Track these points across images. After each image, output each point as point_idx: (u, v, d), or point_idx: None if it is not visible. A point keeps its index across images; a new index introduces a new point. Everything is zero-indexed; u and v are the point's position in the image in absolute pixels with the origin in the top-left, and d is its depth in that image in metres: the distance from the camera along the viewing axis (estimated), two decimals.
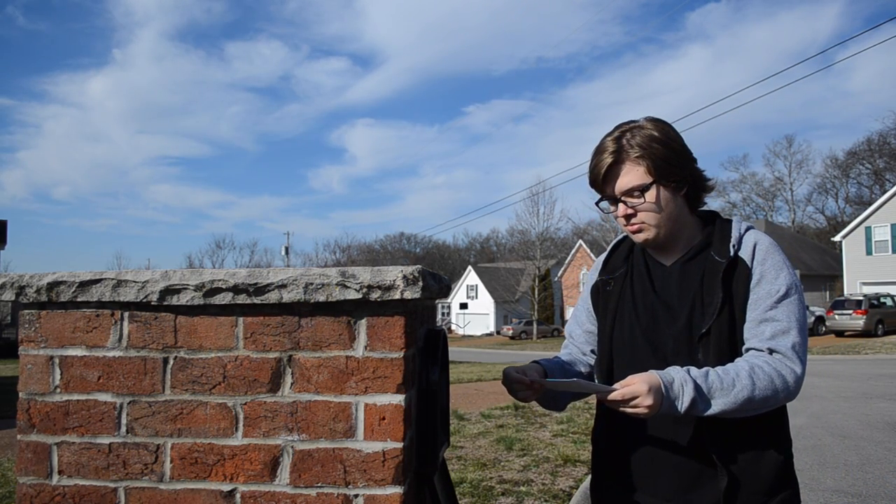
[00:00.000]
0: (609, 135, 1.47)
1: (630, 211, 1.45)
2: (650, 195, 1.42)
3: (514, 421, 7.70)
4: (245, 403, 1.25)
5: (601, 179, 1.45)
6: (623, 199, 1.44)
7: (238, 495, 1.24)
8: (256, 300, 1.23)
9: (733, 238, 1.44)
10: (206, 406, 1.25)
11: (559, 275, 52.75)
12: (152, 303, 1.26)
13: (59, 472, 1.27)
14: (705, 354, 1.39)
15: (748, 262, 1.41)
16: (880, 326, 25.81)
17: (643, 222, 1.45)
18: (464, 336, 56.48)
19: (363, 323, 1.23)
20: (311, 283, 1.22)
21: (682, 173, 1.44)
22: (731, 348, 1.39)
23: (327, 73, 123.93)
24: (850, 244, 33.53)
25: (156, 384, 1.27)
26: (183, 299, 1.25)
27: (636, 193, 1.43)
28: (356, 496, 1.21)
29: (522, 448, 6.09)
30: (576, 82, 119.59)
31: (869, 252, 32.76)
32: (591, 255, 48.19)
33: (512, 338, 46.61)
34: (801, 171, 61.00)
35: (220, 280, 1.24)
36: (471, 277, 61.65)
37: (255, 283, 1.23)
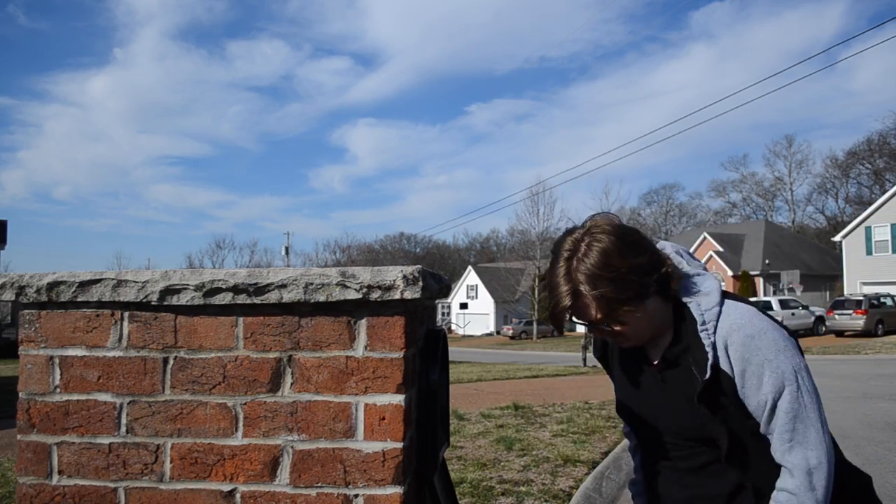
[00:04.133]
0: (556, 265, 1.39)
1: (605, 333, 1.42)
2: (614, 325, 1.38)
3: (514, 421, 7.70)
4: (245, 403, 1.25)
5: (567, 315, 1.40)
6: (593, 328, 1.42)
7: (238, 495, 1.24)
8: (256, 300, 1.23)
9: (706, 346, 1.34)
10: (206, 406, 1.25)
11: None
12: (152, 303, 1.26)
13: (59, 472, 1.27)
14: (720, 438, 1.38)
15: (729, 371, 1.33)
16: (880, 326, 25.81)
17: (622, 336, 1.41)
18: (464, 336, 56.49)
19: (363, 323, 1.23)
20: (311, 283, 1.22)
21: (641, 290, 1.35)
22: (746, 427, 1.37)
23: (329, 73, 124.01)
24: (850, 244, 33.53)
25: (156, 384, 1.27)
26: (183, 299, 1.25)
27: (602, 325, 1.39)
28: (356, 496, 1.21)
29: (522, 448, 6.08)
30: (578, 82, 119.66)
31: (869, 252, 32.76)
32: None
33: (512, 338, 46.63)
34: (801, 171, 61.06)
35: (220, 280, 1.24)
36: (471, 277, 61.66)
37: (255, 283, 1.23)
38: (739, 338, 1.32)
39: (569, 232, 1.42)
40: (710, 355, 1.33)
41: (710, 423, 1.36)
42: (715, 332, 1.35)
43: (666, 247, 1.50)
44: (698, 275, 1.45)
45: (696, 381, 1.35)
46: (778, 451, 1.31)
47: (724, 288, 1.44)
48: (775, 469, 1.34)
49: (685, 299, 1.40)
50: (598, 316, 1.36)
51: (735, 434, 1.36)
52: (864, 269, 32.78)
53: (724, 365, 1.33)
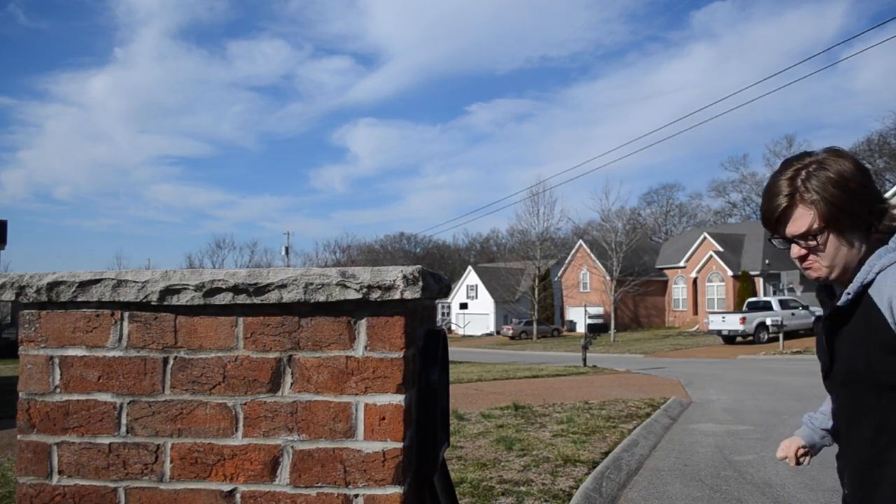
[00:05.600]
0: (783, 173, 1.42)
1: (802, 252, 1.42)
2: (822, 239, 1.39)
3: (514, 421, 7.70)
4: (245, 403, 1.25)
5: (773, 222, 1.43)
6: (795, 241, 1.42)
7: (238, 495, 1.24)
8: (256, 300, 1.23)
9: (862, 272, 1.36)
10: (206, 406, 1.25)
11: (559, 275, 52.75)
12: (152, 303, 1.26)
13: (59, 472, 1.27)
14: (871, 396, 1.37)
15: (885, 309, 1.32)
16: None
17: (816, 262, 1.42)
18: (464, 336, 56.50)
19: (363, 323, 1.23)
20: (311, 283, 1.22)
21: (857, 217, 1.38)
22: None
23: (330, 73, 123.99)
24: None
25: (156, 384, 1.27)
26: (183, 299, 1.25)
27: (808, 237, 1.40)
28: (356, 496, 1.21)
29: (522, 448, 6.08)
30: (579, 81, 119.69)
31: None
32: (591, 254, 48.18)
33: (512, 338, 46.62)
34: None
35: (220, 280, 1.24)
36: (471, 277, 61.67)
37: (255, 283, 1.23)
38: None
39: (801, 154, 1.45)
40: (856, 281, 1.36)
41: (870, 358, 1.33)
42: (886, 270, 1.34)
43: None
44: None
45: (870, 307, 1.34)
46: None
47: None
48: None
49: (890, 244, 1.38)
50: (814, 225, 1.37)
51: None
52: None
53: (880, 301, 1.32)
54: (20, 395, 1.29)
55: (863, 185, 1.39)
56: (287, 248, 56.60)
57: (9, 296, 1.29)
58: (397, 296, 1.20)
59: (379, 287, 1.20)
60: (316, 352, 1.24)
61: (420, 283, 1.20)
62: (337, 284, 1.21)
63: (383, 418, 1.21)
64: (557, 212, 58.01)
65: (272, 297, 1.23)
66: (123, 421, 1.27)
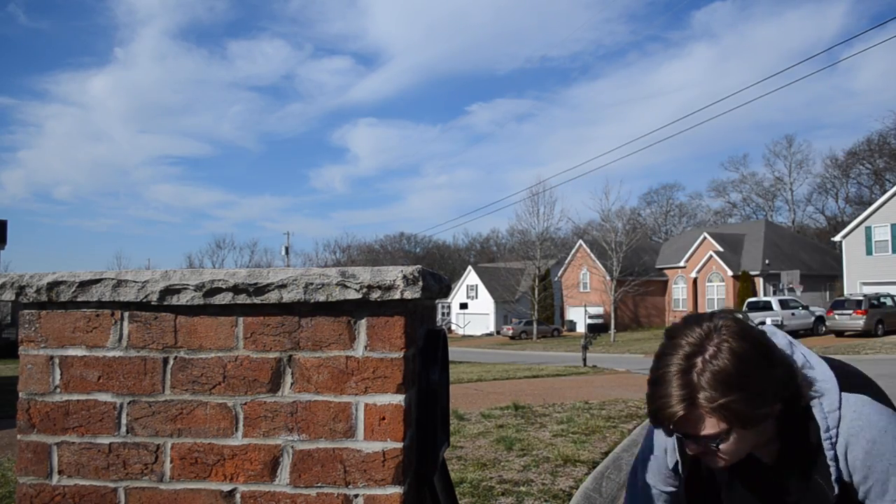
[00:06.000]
0: (675, 361, 1.20)
1: (701, 451, 1.24)
2: (731, 439, 1.20)
3: (514, 421, 7.70)
4: (245, 403, 1.25)
5: (671, 423, 1.21)
6: (696, 441, 1.23)
7: (238, 495, 1.24)
8: (256, 300, 1.23)
9: (829, 459, 1.22)
10: (206, 406, 1.25)
11: (559, 275, 52.75)
12: (152, 303, 1.26)
13: (59, 472, 1.27)
14: None
15: (848, 478, 1.22)
16: (880, 326, 25.81)
17: (716, 459, 1.24)
18: (464, 336, 56.49)
19: (363, 323, 1.23)
20: (311, 283, 1.22)
21: (766, 413, 1.19)
22: None
23: (330, 72, 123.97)
24: (850, 244, 33.53)
25: (156, 384, 1.27)
26: (183, 299, 1.25)
27: (713, 440, 1.21)
28: (356, 496, 1.21)
29: (522, 448, 6.08)
30: (580, 81, 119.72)
31: (869, 252, 32.76)
32: (591, 254, 48.17)
33: (512, 338, 46.62)
34: (801, 171, 61.06)
35: (220, 280, 1.24)
36: (471, 277, 61.66)
37: (255, 283, 1.23)
38: (861, 444, 1.20)
39: (692, 321, 1.25)
40: (833, 469, 1.22)
41: None
42: (836, 440, 1.22)
43: (777, 335, 1.32)
44: (810, 367, 1.29)
45: (826, 495, 1.23)
46: None
47: (827, 361, 1.31)
48: None
49: (812, 401, 1.24)
50: (712, 432, 1.18)
51: None
52: (864, 269, 32.77)
53: (843, 473, 1.22)
54: (20, 395, 1.29)
55: (767, 375, 1.18)
56: (287, 248, 56.60)
57: (9, 296, 1.29)
58: (397, 296, 1.19)
59: (379, 287, 1.20)
60: (316, 352, 1.24)
61: (420, 283, 1.20)
62: (337, 284, 1.21)
63: (383, 418, 1.21)
64: (557, 212, 58.13)
65: (272, 297, 1.23)
66: (123, 421, 1.27)
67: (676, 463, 1.41)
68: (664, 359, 1.23)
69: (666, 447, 1.43)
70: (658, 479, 1.46)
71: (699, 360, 1.17)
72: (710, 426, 1.18)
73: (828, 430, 1.21)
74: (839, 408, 1.22)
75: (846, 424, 1.21)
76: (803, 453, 1.26)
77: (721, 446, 1.21)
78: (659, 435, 1.43)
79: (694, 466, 1.40)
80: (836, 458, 1.21)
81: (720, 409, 1.15)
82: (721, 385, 1.15)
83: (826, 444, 1.21)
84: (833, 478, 1.21)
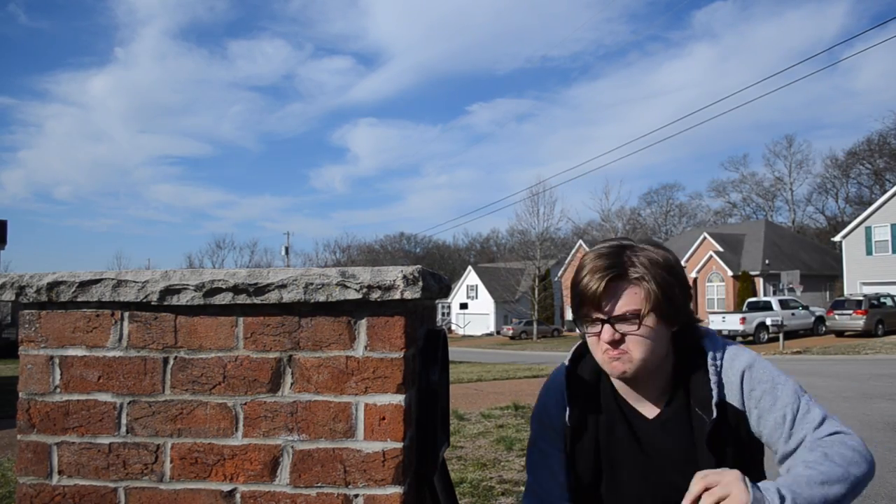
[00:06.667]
0: (605, 248, 1.32)
1: (616, 337, 1.27)
2: (645, 323, 1.26)
3: (514, 421, 7.70)
4: (245, 403, 1.25)
5: (589, 298, 1.27)
6: (613, 322, 1.27)
7: (238, 495, 1.24)
8: (256, 300, 1.23)
9: (713, 383, 1.29)
10: (206, 406, 1.25)
11: (559, 275, 52.76)
12: (152, 303, 1.26)
13: (59, 472, 1.27)
14: None
15: (738, 403, 1.28)
16: (880, 326, 25.82)
17: (628, 352, 1.27)
18: (464, 336, 56.50)
19: (363, 323, 1.23)
20: (311, 283, 1.22)
21: (677, 310, 1.30)
22: None
23: (330, 72, 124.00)
24: (850, 244, 33.54)
25: (156, 384, 1.27)
26: (183, 299, 1.25)
27: (630, 318, 1.26)
28: (356, 496, 1.21)
29: (522, 448, 6.08)
30: (580, 81, 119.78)
31: (869, 252, 32.77)
32: None
33: (512, 338, 46.62)
34: (801, 171, 61.09)
35: (220, 280, 1.24)
36: (471, 277, 61.68)
37: (255, 283, 1.23)
38: (742, 363, 1.30)
39: (619, 238, 1.37)
40: (714, 393, 1.28)
41: None
42: (721, 370, 1.31)
43: None
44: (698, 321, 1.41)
45: (701, 426, 1.28)
46: (808, 437, 1.23)
47: None
48: None
49: (701, 340, 1.35)
50: (632, 307, 1.25)
51: None
52: (864, 269, 32.78)
53: (732, 399, 1.29)
54: (20, 395, 1.29)
55: (684, 277, 1.32)
56: (287, 248, 56.62)
57: (9, 296, 1.29)
58: (397, 296, 1.19)
59: (379, 287, 1.20)
60: (316, 352, 1.24)
61: (420, 283, 1.20)
62: (337, 284, 1.21)
63: (383, 418, 1.21)
64: (557, 212, 58.11)
65: (272, 297, 1.23)
66: (123, 421, 1.27)
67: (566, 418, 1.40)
68: (588, 254, 1.34)
69: (557, 404, 1.44)
70: (557, 468, 1.42)
71: (628, 250, 1.31)
72: (632, 299, 1.26)
73: (714, 358, 1.32)
74: (723, 346, 1.35)
75: (729, 353, 1.33)
76: (688, 385, 1.33)
77: (632, 336, 1.26)
78: (545, 409, 1.47)
79: (579, 424, 1.40)
80: (719, 383, 1.30)
81: (645, 281, 1.26)
82: (650, 264, 1.28)
83: (711, 370, 1.30)
84: (714, 401, 1.28)
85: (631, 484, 1.35)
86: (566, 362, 1.46)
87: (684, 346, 1.35)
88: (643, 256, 1.29)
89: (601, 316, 1.28)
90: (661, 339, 1.30)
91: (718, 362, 1.32)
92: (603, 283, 1.26)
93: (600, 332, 1.29)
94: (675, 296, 1.29)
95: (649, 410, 1.37)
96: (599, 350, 1.31)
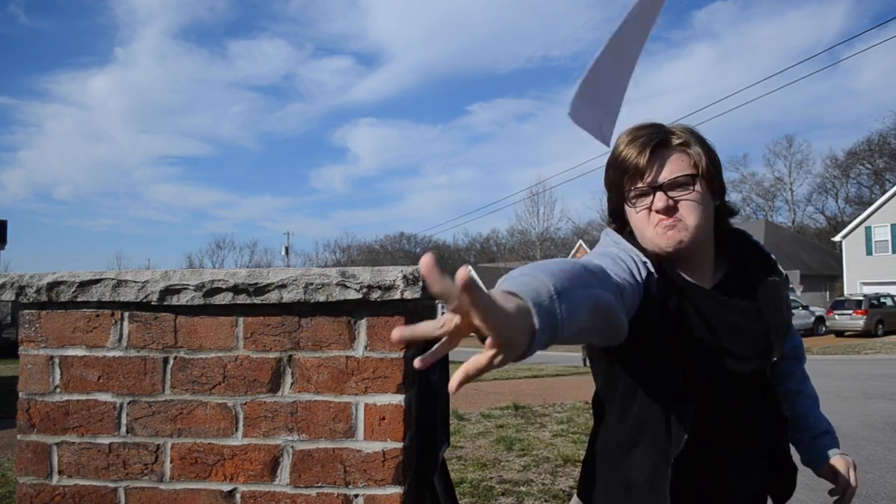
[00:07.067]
0: (641, 123, 1.28)
1: (670, 204, 1.22)
2: (697, 188, 1.23)
3: (514, 421, 7.71)
4: (245, 403, 1.25)
5: (636, 168, 1.22)
6: (661, 189, 1.22)
7: (238, 495, 1.24)
8: (256, 300, 1.23)
9: (766, 252, 1.38)
10: (206, 406, 1.25)
11: None
12: (152, 303, 1.26)
13: (59, 472, 1.27)
14: (774, 376, 1.31)
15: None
16: (880, 326, 25.81)
17: (682, 219, 1.22)
18: None
19: (363, 323, 1.23)
20: (311, 283, 1.22)
21: (719, 184, 1.28)
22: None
23: (331, 72, 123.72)
24: (850, 244, 33.55)
25: (156, 384, 1.27)
26: (183, 299, 1.25)
27: (682, 184, 1.22)
28: (356, 496, 1.21)
29: (522, 448, 6.09)
30: None
31: (869, 252, 32.78)
32: None
33: None
34: (801, 171, 61.04)
35: (220, 280, 1.24)
36: None
37: (255, 283, 1.23)
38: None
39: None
40: (773, 258, 1.37)
41: (778, 342, 1.29)
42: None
43: None
44: None
45: (775, 284, 1.34)
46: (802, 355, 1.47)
47: None
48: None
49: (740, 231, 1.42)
50: (681, 172, 1.22)
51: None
52: (864, 269, 32.79)
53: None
54: (20, 395, 1.29)
55: (718, 156, 1.31)
56: (287, 248, 56.62)
57: (9, 296, 1.29)
58: (397, 296, 1.19)
59: (379, 287, 1.20)
60: (316, 352, 1.24)
61: (420, 283, 1.20)
62: (337, 284, 1.21)
63: (383, 418, 1.21)
64: (557, 212, 58.22)
65: (272, 297, 1.23)
66: (123, 421, 1.27)
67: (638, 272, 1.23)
68: (621, 135, 1.29)
69: (633, 258, 1.25)
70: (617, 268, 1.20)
71: (670, 126, 1.28)
72: (680, 166, 1.22)
73: (749, 234, 1.40)
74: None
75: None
76: (742, 256, 1.37)
77: (685, 201, 1.22)
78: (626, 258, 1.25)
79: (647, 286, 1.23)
80: (770, 253, 1.37)
81: (693, 145, 1.24)
82: (692, 133, 1.27)
83: (753, 241, 1.38)
84: (774, 260, 1.36)
85: (702, 350, 1.25)
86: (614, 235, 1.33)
87: (718, 225, 1.34)
88: (681, 126, 1.28)
89: (650, 185, 1.22)
90: (710, 208, 1.27)
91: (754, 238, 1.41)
92: (648, 151, 1.22)
93: (651, 203, 1.23)
94: (718, 164, 1.28)
95: (705, 282, 1.32)
96: (650, 224, 1.24)
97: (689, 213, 1.22)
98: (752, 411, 1.29)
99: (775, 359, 1.29)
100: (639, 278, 1.19)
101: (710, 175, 1.25)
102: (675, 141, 1.24)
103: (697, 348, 1.25)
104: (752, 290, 1.33)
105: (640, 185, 1.23)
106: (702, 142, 1.27)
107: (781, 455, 1.35)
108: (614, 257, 1.22)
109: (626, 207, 1.27)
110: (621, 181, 1.26)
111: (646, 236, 1.26)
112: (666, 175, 1.22)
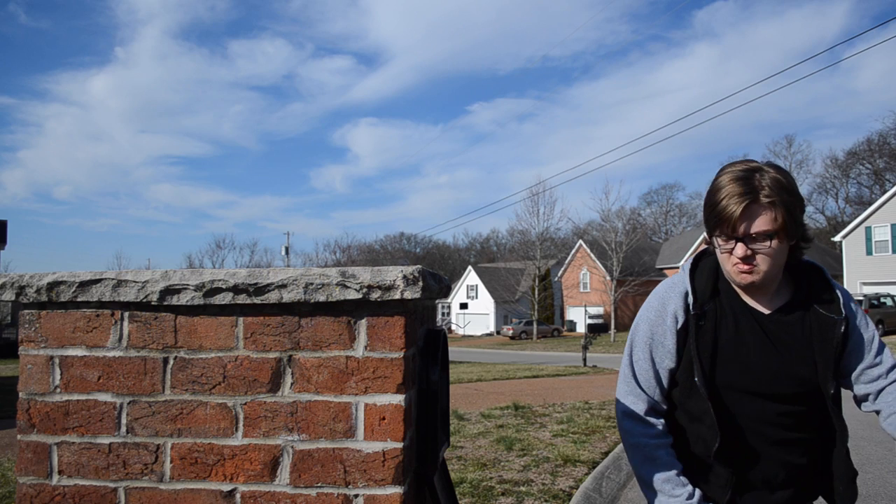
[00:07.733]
0: (737, 172, 1.45)
1: (749, 253, 1.44)
2: (774, 243, 1.43)
3: (514, 421, 7.70)
4: (245, 403, 1.25)
5: (729, 220, 1.43)
6: (746, 241, 1.44)
7: (238, 495, 1.24)
8: (256, 300, 1.23)
9: (837, 290, 1.53)
10: (206, 406, 1.25)
11: (559, 275, 52.77)
12: (152, 303, 1.26)
13: (59, 472, 1.27)
14: (833, 408, 1.51)
15: (847, 312, 1.52)
16: (880, 326, 25.81)
17: (756, 266, 1.45)
18: (464, 336, 56.49)
19: (363, 323, 1.23)
20: (311, 283, 1.22)
21: (798, 228, 1.47)
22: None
23: (331, 72, 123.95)
24: (850, 244, 33.53)
25: (156, 384, 1.27)
26: (183, 299, 1.25)
27: (762, 239, 1.43)
28: (356, 496, 1.21)
29: (522, 448, 6.09)
30: (581, 81, 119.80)
31: (869, 252, 32.76)
32: (591, 254, 48.19)
33: (512, 338, 46.62)
34: (801, 171, 61.06)
35: (220, 280, 1.24)
36: (471, 277, 61.66)
37: (255, 283, 1.23)
38: (848, 293, 1.56)
39: (744, 160, 1.51)
40: (841, 297, 1.51)
41: (825, 371, 1.47)
42: (835, 286, 1.55)
43: None
44: None
45: (830, 321, 1.49)
46: (887, 370, 1.54)
47: None
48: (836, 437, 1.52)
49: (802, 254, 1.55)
50: (765, 228, 1.41)
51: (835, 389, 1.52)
52: (864, 269, 32.78)
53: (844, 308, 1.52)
54: (20, 395, 1.29)
55: (801, 197, 1.48)
56: (287, 248, 56.64)
57: (9, 296, 1.29)
58: (397, 296, 1.20)
59: (379, 287, 1.20)
60: (316, 352, 1.24)
61: (420, 284, 1.20)
62: (337, 284, 1.21)
63: (383, 418, 1.21)
64: (557, 212, 58.15)
65: (272, 297, 1.23)
66: (123, 421, 1.27)
67: (680, 328, 1.55)
68: (722, 177, 1.47)
69: (673, 312, 1.56)
70: (661, 353, 1.57)
71: (756, 174, 1.44)
72: (765, 221, 1.42)
73: (825, 271, 1.57)
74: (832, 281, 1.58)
75: (838, 285, 1.57)
76: (809, 290, 1.54)
77: (763, 251, 1.43)
78: (663, 306, 1.58)
79: (702, 312, 1.55)
80: (843, 292, 1.53)
81: (778, 204, 1.41)
82: (778, 187, 1.43)
83: (827, 279, 1.55)
84: (842, 303, 1.51)
85: (757, 369, 1.50)
86: (687, 265, 1.63)
87: (792, 257, 1.53)
88: (770, 179, 1.43)
89: (736, 235, 1.44)
90: (784, 254, 1.48)
91: (829, 275, 1.57)
92: (740, 208, 1.41)
93: (733, 248, 1.46)
94: (797, 216, 1.45)
95: (764, 308, 1.54)
96: (730, 263, 1.48)
97: (764, 262, 1.45)
98: (790, 426, 1.51)
99: (826, 386, 1.48)
100: (677, 326, 1.54)
101: (788, 229, 1.44)
102: (764, 199, 1.42)
103: (741, 365, 1.50)
104: (807, 322, 1.51)
105: (727, 232, 1.46)
106: (790, 193, 1.44)
107: (838, 464, 1.53)
108: (656, 340, 1.56)
109: (716, 239, 1.51)
110: (714, 225, 1.49)
111: (725, 268, 1.52)
112: (749, 229, 1.43)
